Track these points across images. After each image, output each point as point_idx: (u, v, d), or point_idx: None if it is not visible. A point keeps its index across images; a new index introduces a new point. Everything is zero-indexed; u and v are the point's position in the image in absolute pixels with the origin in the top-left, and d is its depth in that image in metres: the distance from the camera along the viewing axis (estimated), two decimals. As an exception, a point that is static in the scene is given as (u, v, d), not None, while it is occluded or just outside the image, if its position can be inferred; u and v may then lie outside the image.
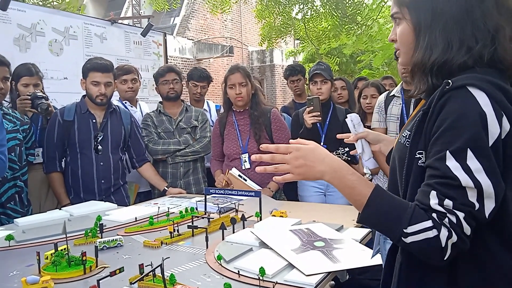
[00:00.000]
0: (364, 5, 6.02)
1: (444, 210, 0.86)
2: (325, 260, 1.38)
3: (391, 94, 2.85)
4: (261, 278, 1.22)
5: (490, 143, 0.85)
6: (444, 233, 0.85)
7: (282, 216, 1.98)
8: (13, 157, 2.33)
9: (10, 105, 2.71)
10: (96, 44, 4.07)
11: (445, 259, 0.86)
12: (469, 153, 0.85)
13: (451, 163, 0.86)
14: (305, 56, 11.26)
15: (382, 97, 2.92)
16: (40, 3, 5.26)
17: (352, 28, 6.21)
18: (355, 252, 1.46)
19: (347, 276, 1.39)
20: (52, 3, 5.37)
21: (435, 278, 0.93)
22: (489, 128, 0.85)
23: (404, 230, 0.88)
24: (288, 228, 1.71)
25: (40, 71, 2.93)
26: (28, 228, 1.92)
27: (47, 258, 1.43)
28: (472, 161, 0.84)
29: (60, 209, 2.38)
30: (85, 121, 2.66)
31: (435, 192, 0.87)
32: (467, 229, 0.85)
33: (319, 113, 2.70)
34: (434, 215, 0.87)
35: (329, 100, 3.03)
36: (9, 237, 1.69)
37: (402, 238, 0.88)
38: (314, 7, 6.30)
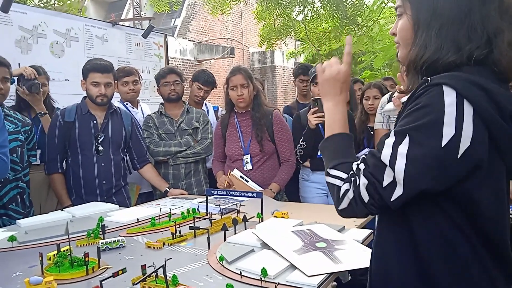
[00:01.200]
0: (364, 6, 6.01)
1: (355, 172, 0.98)
2: (327, 261, 1.38)
3: (394, 95, 2.85)
4: (263, 279, 1.23)
5: (443, 143, 0.85)
6: (345, 186, 0.98)
7: (283, 217, 1.98)
8: (15, 158, 2.34)
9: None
10: (97, 46, 4.08)
11: (339, 209, 1.00)
12: (406, 139, 0.89)
13: (389, 140, 0.92)
14: (306, 57, 11.26)
15: (385, 98, 2.92)
16: (42, 5, 5.26)
17: (353, 29, 6.21)
18: (357, 253, 1.46)
19: (349, 277, 1.39)
20: (53, 5, 5.38)
21: (406, 267, 0.97)
22: (444, 128, 0.86)
23: (328, 169, 1.05)
24: (289, 229, 1.72)
25: (46, 73, 2.96)
26: (30, 229, 1.93)
27: (49, 259, 1.44)
28: (403, 147, 0.89)
29: (62, 210, 2.39)
30: (86, 122, 2.67)
31: (365, 156, 0.99)
32: (364, 195, 0.94)
33: (323, 114, 2.70)
34: (351, 172, 1.00)
35: (330, 101, 3.02)
36: (11, 238, 1.69)
37: (327, 175, 1.05)
38: (315, 9, 6.30)
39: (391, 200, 0.90)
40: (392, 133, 0.93)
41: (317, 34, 6.93)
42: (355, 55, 9.27)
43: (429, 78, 0.91)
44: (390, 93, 2.97)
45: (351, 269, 1.36)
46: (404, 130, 0.89)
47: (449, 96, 0.87)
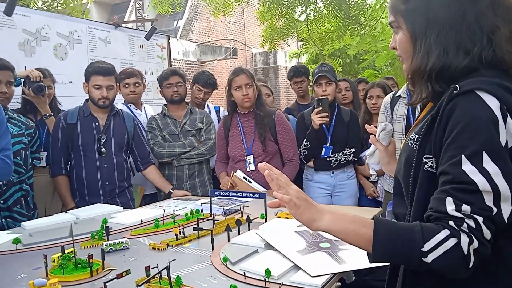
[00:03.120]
0: (367, 5, 5.99)
1: (462, 216, 0.83)
2: (331, 261, 1.38)
3: (397, 95, 2.84)
4: (267, 279, 1.23)
5: (503, 144, 0.84)
6: (464, 239, 0.82)
7: (287, 218, 1.98)
8: (18, 161, 2.35)
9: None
10: (100, 48, 4.09)
11: (470, 267, 0.83)
12: (485, 157, 0.83)
13: (467, 167, 0.84)
14: (308, 57, 11.25)
15: (387, 97, 2.92)
16: (45, 8, 5.28)
17: (356, 29, 6.19)
18: (361, 253, 1.45)
19: (353, 277, 1.39)
20: (56, 8, 5.40)
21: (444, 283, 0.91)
22: (500, 132, 0.84)
23: (421, 249, 0.84)
24: (293, 230, 1.72)
25: (52, 75, 2.97)
26: (35, 231, 1.93)
27: (54, 261, 1.44)
28: (489, 165, 0.83)
29: (66, 212, 2.40)
30: (88, 124, 2.68)
31: (451, 198, 0.85)
32: (487, 234, 0.83)
33: (327, 114, 2.71)
34: (451, 222, 0.84)
35: (334, 101, 3.02)
36: (16, 241, 1.70)
37: (423, 259, 0.84)
38: (317, 9, 6.28)
39: (506, 220, 0.83)
40: (462, 158, 0.84)
41: (320, 34, 6.91)
42: (357, 54, 9.23)
43: (457, 86, 0.89)
44: (393, 92, 2.97)
45: (355, 269, 1.35)
46: (477, 150, 0.84)
47: (491, 101, 0.85)
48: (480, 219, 0.82)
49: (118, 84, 2.86)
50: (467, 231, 0.83)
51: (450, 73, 0.93)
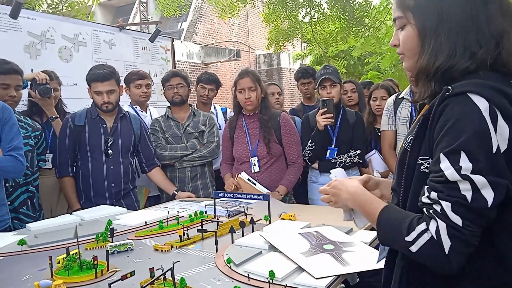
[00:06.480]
0: (371, 7, 5.99)
1: (430, 202, 0.88)
2: (335, 263, 1.38)
3: (400, 96, 2.84)
4: (270, 281, 1.23)
5: (494, 150, 0.84)
6: (432, 225, 0.86)
7: (291, 219, 1.98)
8: (25, 163, 2.36)
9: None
10: (105, 50, 4.11)
11: (447, 253, 0.84)
12: (463, 155, 0.84)
13: (444, 164, 0.86)
14: (312, 59, 11.24)
15: (391, 99, 2.91)
16: (50, 11, 5.32)
17: (360, 31, 6.19)
18: (365, 255, 1.46)
19: (357, 279, 1.38)
20: (61, 11, 5.44)
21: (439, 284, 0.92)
22: (491, 134, 0.84)
23: (405, 239, 0.89)
24: (297, 231, 1.72)
25: (58, 78, 2.99)
26: (40, 233, 1.94)
27: (59, 262, 1.45)
28: (465, 163, 0.84)
29: (71, 213, 2.41)
30: (96, 125, 2.70)
31: (425, 186, 0.90)
32: (454, 218, 0.84)
33: (332, 115, 2.70)
34: (424, 209, 0.89)
35: (339, 103, 3.02)
36: (21, 242, 1.71)
37: (409, 249, 0.88)
38: (321, 10, 6.29)
39: (489, 206, 0.83)
40: (441, 157, 0.87)
41: (324, 35, 6.91)
42: (361, 56, 9.22)
43: (450, 87, 0.89)
44: (396, 94, 2.96)
45: (359, 271, 1.35)
46: (455, 148, 0.85)
47: (481, 103, 0.85)
48: (446, 204, 0.85)
49: (122, 85, 2.87)
50: (434, 215, 0.86)
51: (451, 73, 0.93)
